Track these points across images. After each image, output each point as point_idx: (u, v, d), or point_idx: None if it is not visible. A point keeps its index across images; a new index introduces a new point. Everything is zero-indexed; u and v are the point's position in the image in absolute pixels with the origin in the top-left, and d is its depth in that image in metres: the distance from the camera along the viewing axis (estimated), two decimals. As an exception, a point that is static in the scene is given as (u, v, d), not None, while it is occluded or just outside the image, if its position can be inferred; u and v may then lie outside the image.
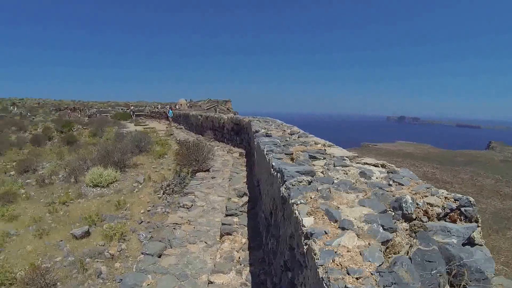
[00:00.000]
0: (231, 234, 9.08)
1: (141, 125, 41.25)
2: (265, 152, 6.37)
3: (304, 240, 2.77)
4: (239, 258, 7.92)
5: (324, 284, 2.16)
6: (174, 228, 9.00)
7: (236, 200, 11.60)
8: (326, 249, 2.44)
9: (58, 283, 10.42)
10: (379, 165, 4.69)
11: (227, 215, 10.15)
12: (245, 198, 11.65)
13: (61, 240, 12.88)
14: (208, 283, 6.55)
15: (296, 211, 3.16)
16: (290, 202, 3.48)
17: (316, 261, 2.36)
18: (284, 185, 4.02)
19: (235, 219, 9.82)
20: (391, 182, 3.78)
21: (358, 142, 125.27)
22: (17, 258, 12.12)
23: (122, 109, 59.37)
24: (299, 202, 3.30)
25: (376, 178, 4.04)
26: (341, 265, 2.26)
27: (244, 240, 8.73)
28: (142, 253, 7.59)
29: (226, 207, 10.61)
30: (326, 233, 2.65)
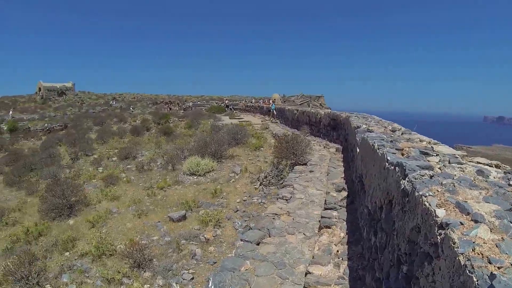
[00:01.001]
0: (330, 228, 9.17)
1: (236, 119, 42.64)
2: (376, 147, 6.41)
3: (438, 230, 2.90)
4: (337, 251, 7.99)
5: (467, 271, 2.28)
6: (273, 218, 9.29)
7: (335, 194, 11.65)
8: (464, 239, 2.57)
9: (154, 259, 11.30)
10: (493, 165, 4.64)
11: (326, 209, 10.25)
12: (344, 193, 11.66)
13: (159, 222, 13.91)
14: (306, 273, 6.71)
15: (426, 203, 3.27)
16: (415, 194, 3.59)
17: (456, 249, 2.50)
18: (406, 179, 4.11)
19: (334, 213, 9.90)
20: (510, 182, 3.78)
21: (450, 143, 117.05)
22: (118, 233, 13.36)
23: (216, 103, 61.70)
24: (427, 194, 3.40)
25: (494, 177, 4.03)
26: (482, 254, 2.38)
27: (342, 234, 8.78)
28: (241, 240, 7.95)
29: (325, 201, 10.71)
30: (461, 224, 2.77)
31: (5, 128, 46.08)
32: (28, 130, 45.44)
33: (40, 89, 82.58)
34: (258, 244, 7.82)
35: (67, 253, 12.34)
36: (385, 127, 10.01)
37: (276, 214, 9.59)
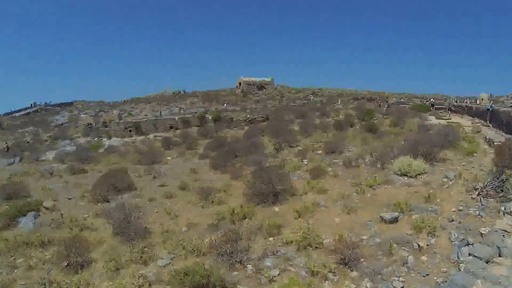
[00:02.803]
0: None
1: (443, 119, 40.72)
2: None
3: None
4: None
5: None
6: (503, 236, 8.39)
7: None
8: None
9: (362, 259, 11.06)
10: None
11: None
12: None
13: (369, 221, 13.69)
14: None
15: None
16: None
17: None
18: None
19: None
20: None
21: None
22: (325, 227, 13.56)
23: (421, 101, 59.34)
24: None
25: None
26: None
27: None
28: (470, 254, 7.30)
29: None
30: None
31: (210, 117, 51.88)
32: (231, 120, 50.26)
33: (240, 83, 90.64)
34: (487, 262, 7.10)
35: (271, 238, 13.03)
36: None
37: (506, 231, 8.62)
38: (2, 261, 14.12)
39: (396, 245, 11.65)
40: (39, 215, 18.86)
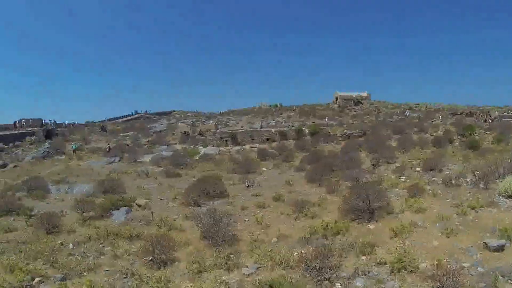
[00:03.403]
0: None
1: None
2: None
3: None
4: None
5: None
6: None
7: None
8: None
9: (464, 290, 10.06)
10: None
11: None
12: None
13: (471, 246, 12.53)
14: None
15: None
16: None
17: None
18: None
19: None
20: None
21: None
22: (422, 249, 12.58)
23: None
24: None
25: None
26: None
27: None
28: None
29: None
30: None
31: (307, 131, 51.89)
32: (328, 134, 49.88)
33: (336, 98, 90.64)
34: None
35: (364, 257, 12.31)
36: None
37: None
38: (91, 246, 15.16)
39: (501, 278, 10.50)
40: (131, 211, 20.03)
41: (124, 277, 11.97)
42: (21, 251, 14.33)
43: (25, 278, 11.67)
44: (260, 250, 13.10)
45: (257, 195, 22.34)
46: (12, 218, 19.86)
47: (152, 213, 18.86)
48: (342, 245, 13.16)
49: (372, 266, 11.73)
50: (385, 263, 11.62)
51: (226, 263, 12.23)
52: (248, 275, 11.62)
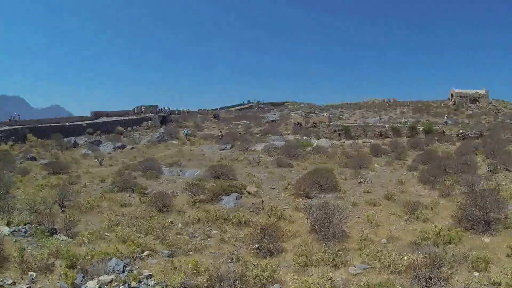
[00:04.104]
0: None
1: None
2: None
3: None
4: None
5: None
6: None
7: None
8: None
9: None
10: None
11: None
12: None
13: None
14: None
15: None
16: None
17: None
18: None
19: None
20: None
21: None
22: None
23: None
24: None
25: None
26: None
27: None
28: None
29: None
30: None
31: (421, 129, 49.45)
32: (442, 133, 47.14)
33: (452, 95, 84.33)
34: None
35: (476, 274, 11.23)
36: None
37: None
38: (200, 228, 15.93)
39: None
40: (241, 198, 20.53)
41: (229, 262, 12.24)
42: (134, 225, 15.37)
43: (135, 250, 12.49)
44: (369, 250, 12.70)
45: (368, 192, 21.67)
46: (128, 195, 21.49)
47: (262, 201, 19.05)
48: (454, 257, 12.19)
49: (485, 285, 10.62)
50: (499, 284, 10.46)
51: (333, 260, 11.97)
52: (355, 274, 11.28)
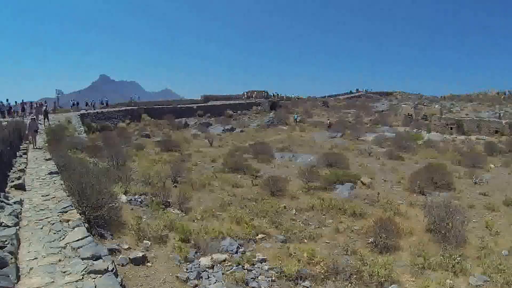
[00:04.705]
0: None
1: None
2: None
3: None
4: None
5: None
6: None
7: None
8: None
9: None
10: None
11: None
12: None
13: None
14: None
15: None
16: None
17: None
18: None
19: None
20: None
21: None
22: None
23: None
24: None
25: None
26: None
27: None
28: None
29: None
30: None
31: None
32: None
33: None
34: None
35: None
36: None
37: None
38: (314, 215, 15.77)
39: None
40: (355, 188, 20.00)
41: (344, 254, 11.96)
42: (246, 207, 15.68)
43: (250, 232, 12.69)
44: (490, 261, 11.65)
45: (485, 195, 19.95)
46: (239, 176, 21.92)
47: (378, 193, 18.47)
48: None
49: None
50: None
51: (453, 266, 11.19)
52: (476, 286, 10.47)
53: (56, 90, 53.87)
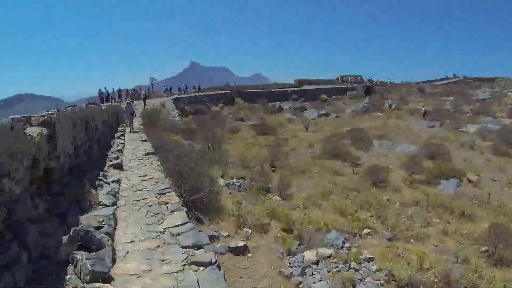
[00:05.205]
0: None
1: None
2: None
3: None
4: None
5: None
6: None
7: None
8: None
9: None
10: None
11: None
12: None
13: None
14: None
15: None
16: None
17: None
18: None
19: None
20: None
21: None
22: None
23: None
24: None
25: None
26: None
27: None
28: None
29: None
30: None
31: None
32: None
33: None
34: None
35: None
36: None
37: None
38: (418, 212, 14.53)
39: None
40: (461, 184, 18.21)
41: (455, 262, 10.65)
42: (348, 197, 14.83)
43: (356, 226, 11.97)
44: None
45: None
46: (338, 163, 20.96)
47: (489, 194, 16.55)
48: None
49: None
50: None
51: None
52: None
53: (150, 77, 58.17)
